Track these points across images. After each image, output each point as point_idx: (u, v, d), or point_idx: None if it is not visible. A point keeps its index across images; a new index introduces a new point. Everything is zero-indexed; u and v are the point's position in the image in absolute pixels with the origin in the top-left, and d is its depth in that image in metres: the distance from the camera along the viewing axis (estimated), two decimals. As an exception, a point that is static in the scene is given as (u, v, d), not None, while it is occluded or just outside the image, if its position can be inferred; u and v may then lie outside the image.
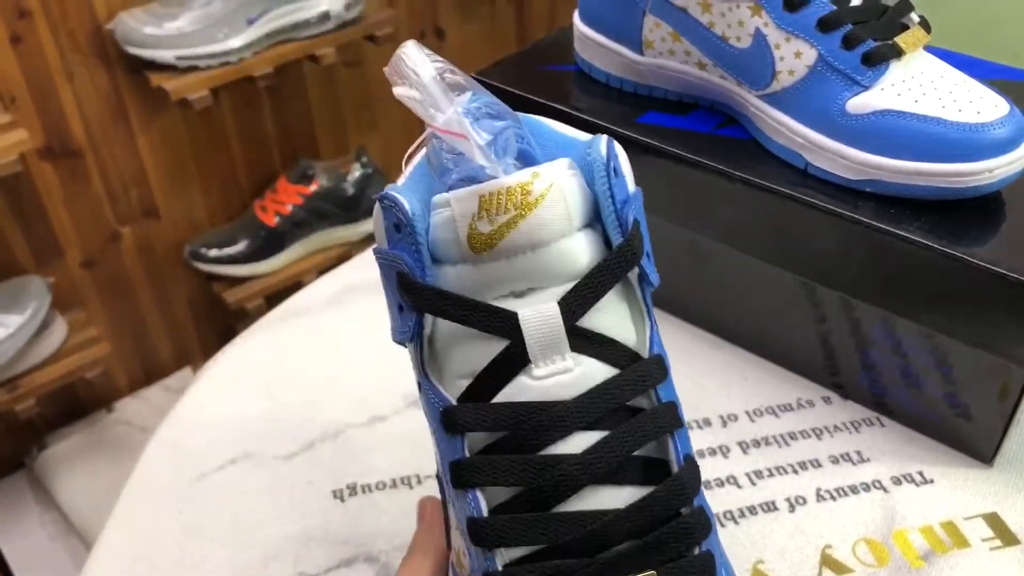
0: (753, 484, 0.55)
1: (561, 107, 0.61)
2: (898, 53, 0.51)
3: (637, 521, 0.30)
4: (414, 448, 0.57)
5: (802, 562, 0.50)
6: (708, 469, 0.55)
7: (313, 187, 1.42)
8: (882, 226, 0.50)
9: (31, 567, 1.29)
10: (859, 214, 0.51)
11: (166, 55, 1.20)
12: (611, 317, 0.32)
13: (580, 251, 0.31)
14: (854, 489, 0.54)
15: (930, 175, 0.49)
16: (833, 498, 0.53)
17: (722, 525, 0.52)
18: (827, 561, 0.50)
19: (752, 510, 0.53)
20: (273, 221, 1.41)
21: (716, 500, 0.53)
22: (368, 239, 1.47)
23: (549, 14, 1.70)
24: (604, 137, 0.33)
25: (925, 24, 0.53)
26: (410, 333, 0.32)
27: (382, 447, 0.58)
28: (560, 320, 0.31)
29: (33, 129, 1.20)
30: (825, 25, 0.51)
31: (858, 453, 0.56)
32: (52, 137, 1.25)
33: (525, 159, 0.33)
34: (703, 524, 0.31)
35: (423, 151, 0.36)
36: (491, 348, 0.31)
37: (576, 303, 0.31)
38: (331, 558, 0.51)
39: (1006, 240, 0.49)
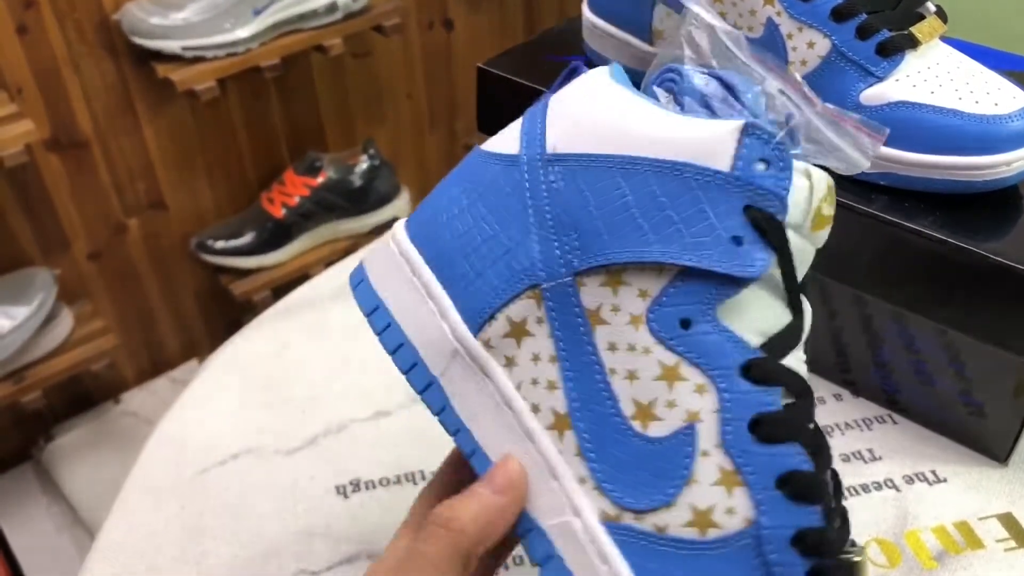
0: (762, 482, 0.54)
1: (569, 98, 0.60)
2: (914, 43, 0.50)
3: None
4: (418, 444, 0.57)
5: (812, 562, 0.49)
6: (717, 467, 0.55)
7: (320, 179, 1.41)
8: (896, 220, 0.49)
9: (38, 558, 1.29)
10: (872, 207, 0.50)
11: (172, 45, 1.19)
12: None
13: None
14: (865, 488, 0.53)
15: (946, 168, 0.48)
16: (845, 497, 0.52)
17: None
18: (838, 561, 0.49)
19: (761, 509, 0.52)
20: (280, 213, 1.40)
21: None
22: (375, 232, 1.47)
23: (559, 4, 1.68)
24: None
25: (941, 14, 0.51)
26: (759, 272, 0.31)
27: (386, 443, 0.58)
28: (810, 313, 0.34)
29: (39, 120, 1.19)
30: (839, 15, 0.50)
31: (870, 451, 0.55)
32: (59, 128, 1.24)
33: None
34: None
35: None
36: (780, 318, 0.32)
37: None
38: (333, 555, 0.51)
39: (1022, 235, 0.48)
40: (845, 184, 0.51)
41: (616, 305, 0.32)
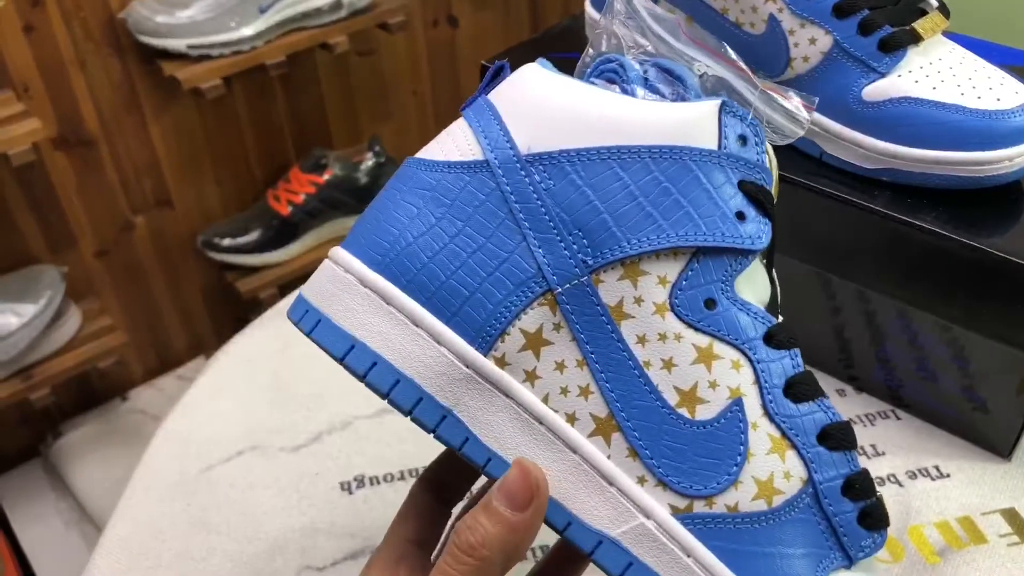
0: (765, 478, 0.54)
1: (572, 95, 0.60)
2: (916, 39, 0.50)
3: None
4: (422, 440, 0.57)
5: (815, 558, 0.49)
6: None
7: (326, 176, 1.41)
8: (898, 216, 0.49)
9: (46, 553, 1.30)
10: (875, 204, 0.50)
11: (178, 44, 1.19)
12: None
13: None
14: (868, 484, 0.53)
15: (948, 164, 0.48)
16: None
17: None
18: (840, 557, 0.49)
19: (764, 504, 0.52)
20: (286, 210, 1.41)
21: (728, 494, 0.53)
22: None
23: (563, 1, 1.68)
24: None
25: (944, 9, 0.51)
26: (765, 241, 0.33)
27: (390, 439, 0.58)
28: None
29: (46, 118, 1.20)
30: (841, 11, 0.50)
31: (873, 447, 0.55)
32: (65, 126, 1.24)
33: None
34: None
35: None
36: (767, 287, 0.35)
37: None
38: (338, 551, 0.51)
39: (1026, 230, 0.48)
40: (848, 180, 0.51)
41: (638, 296, 0.32)
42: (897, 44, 0.49)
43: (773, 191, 0.34)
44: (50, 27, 1.18)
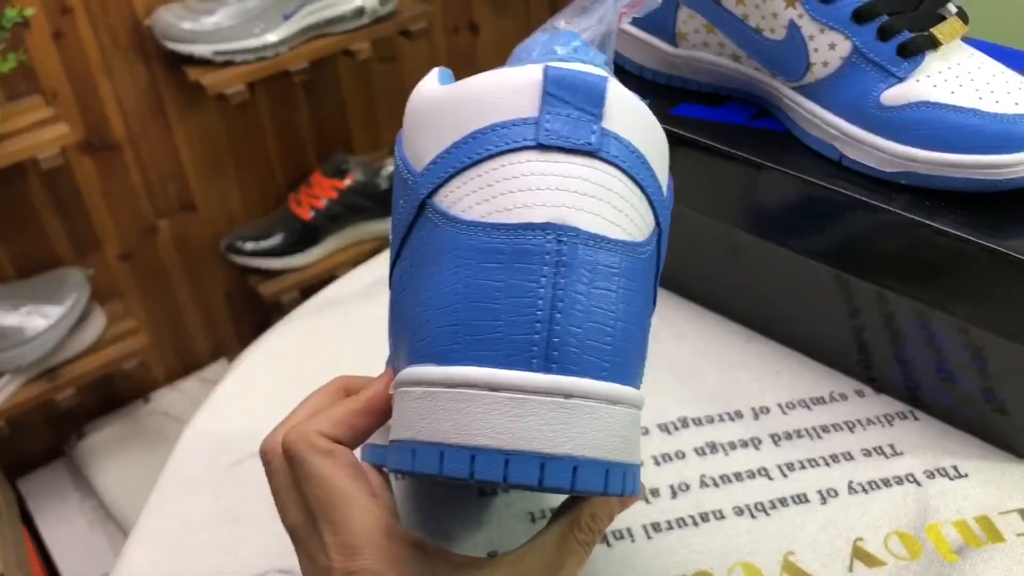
0: (784, 476, 0.54)
1: (594, 99, 0.61)
2: (934, 44, 0.50)
3: None
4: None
5: (833, 554, 0.50)
6: (739, 461, 0.55)
7: (347, 181, 1.43)
8: (917, 218, 0.50)
9: (70, 553, 1.31)
10: (893, 206, 0.51)
11: (203, 50, 1.21)
12: None
13: None
14: (886, 482, 0.54)
15: (966, 167, 0.49)
16: (865, 491, 0.53)
17: (752, 517, 0.52)
18: (859, 554, 0.50)
19: (783, 502, 0.53)
20: (308, 215, 1.42)
21: (747, 492, 0.53)
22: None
23: (583, 9, 1.69)
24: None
25: (963, 15, 0.52)
26: None
27: (414, 436, 0.59)
28: None
29: (74, 123, 1.22)
30: (860, 16, 0.51)
31: (891, 447, 0.56)
32: (92, 131, 1.27)
33: None
34: None
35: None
36: None
37: None
38: (364, 544, 0.52)
39: (1043, 232, 0.49)
40: (867, 184, 0.52)
41: None
42: (916, 49, 0.50)
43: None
44: (78, 34, 1.20)
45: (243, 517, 0.54)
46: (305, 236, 1.42)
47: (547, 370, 0.28)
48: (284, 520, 0.37)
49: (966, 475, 0.54)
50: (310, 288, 1.41)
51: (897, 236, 0.51)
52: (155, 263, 1.42)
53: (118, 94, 1.27)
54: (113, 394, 1.46)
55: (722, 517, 0.52)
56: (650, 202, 0.32)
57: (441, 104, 0.32)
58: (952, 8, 0.52)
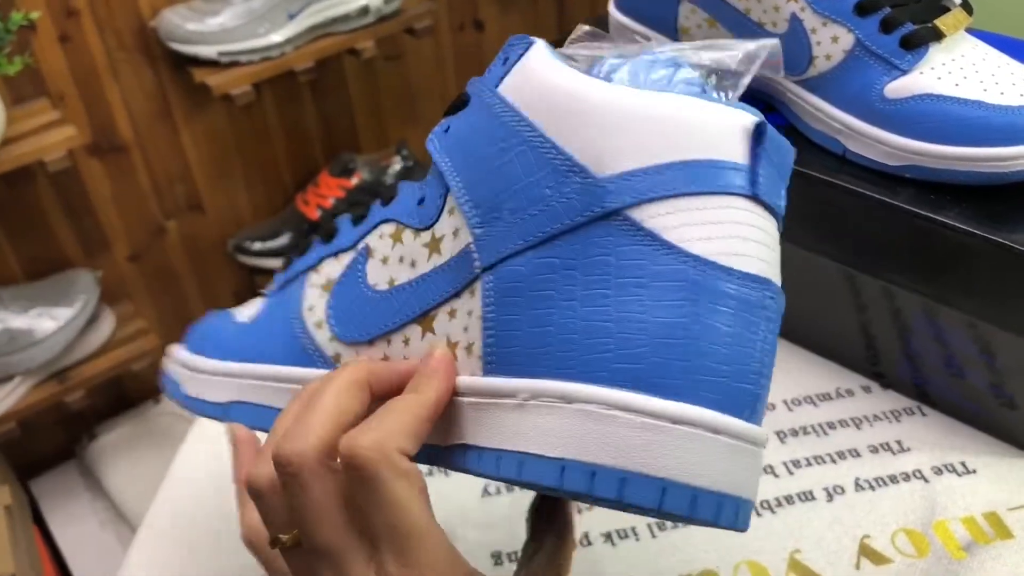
0: (791, 474, 0.54)
1: (596, 96, 0.61)
2: (938, 36, 0.50)
3: None
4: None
5: (840, 552, 0.49)
6: (745, 458, 0.55)
7: (354, 180, 1.43)
8: (922, 212, 0.49)
9: (82, 553, 1.32)
10: (898, 200, 0.50)
11: (208, 51, 1.21)
12: None
13: None
14: (894, 479, 0.53)
15: (971, 160, 0.49)
16: (872, 488, 0.53)
17: (758, 515, 0.52)
18: (866, 551, 0.49)
19: (789, 499, 0.52)
20: (315, 215, 1.42)
21: (753, 489, 0.53)
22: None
23: (590, 3, 1.69)
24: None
25: (966, 6, 0.52)
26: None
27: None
28: None
29: (81, 126, 1.22)
30: (862, 9, 0.50)
31: (898, 443, 0.55)
32: (99, 133, 1.27)
33: None
34: None
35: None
36: None
37: None
38: (368, 545, 0.52)
39: (1050, 225, 0.48)
40: (872, 177, 0.52)
41: None
42: (919, 41, 0.50)
43: None
44: (84, 36, 1.20)
45: (247, 518, 0.54)
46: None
47: (751, 420, 0.30)
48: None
49: (974, 471, 0.53)
50: (318, 287, 1.41)
51: (902, 230, 0.50)
52: (164, 264, 1.42)
53: (124, 96, 1.27)
54: (123, 395, 1.46)
55: (728, 515, 0.52)
56: None
57: (637, 111, 0.30)
58: (956, -1, 0.52)
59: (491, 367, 0.33)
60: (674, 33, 0.59)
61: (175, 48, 1.22)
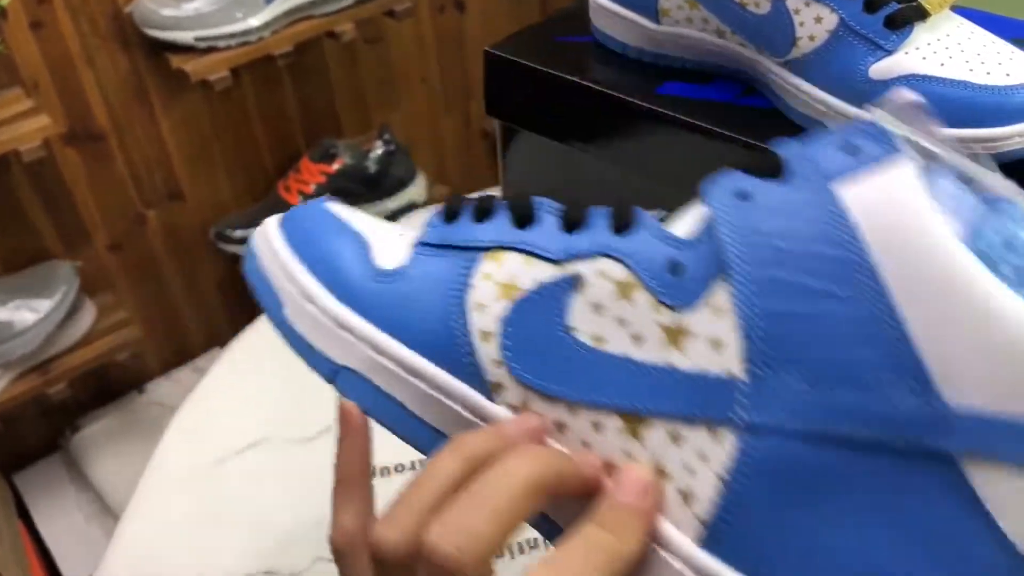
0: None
1: (578, 80, 0.60)
2: (923, 15, 0.49)
3: None
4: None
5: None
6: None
7: (336, 165, 1.41)
8: (908, 195, 0.48)
9: (68, 546, 1.31)
10: (884, 183, 0.49)
11: (185, 36, 1.19)
12: None
13: None
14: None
15: (958, 141, 0.47)
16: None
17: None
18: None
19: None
20: (297, 201, 1.41)
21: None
22: (391, 217, 1.47)
23: (572, -16, 1.67)
24: None
25: (952, -17, 0.51)
26: None
27: (401, 429, 0.58)
28: None
29: (56, 114, 1.20)
30: (846, -12, 0.49)
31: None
32: (75, 122, 1.25)
33: None
34: None
35: None
36: None
37: None
38: (350, 542, 0.51)
39: (1038, 207, 0.47)
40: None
41: None
42: (904, 20, 0.49)
43: None
44: (57, 23, 1.18)
45: (226, 518, 0.53)
46: (294, 223, 1.41)
47: None
48: None
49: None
50: (301, 275, 1.40)
51: (888, 214, 0.50)
52: (145, 253, 1.41)
53: (100, 83, 1.25)
54: (107, 386, 1.45)
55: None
56: None
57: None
58: (941, -23, 0.51)
59: (715, 543, 0.26)
60: (655, 16, 0.58)
61: (151, 34, 1.20)
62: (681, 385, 0.27)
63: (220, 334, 1.55)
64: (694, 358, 0.27)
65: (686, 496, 0.27)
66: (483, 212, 0.33)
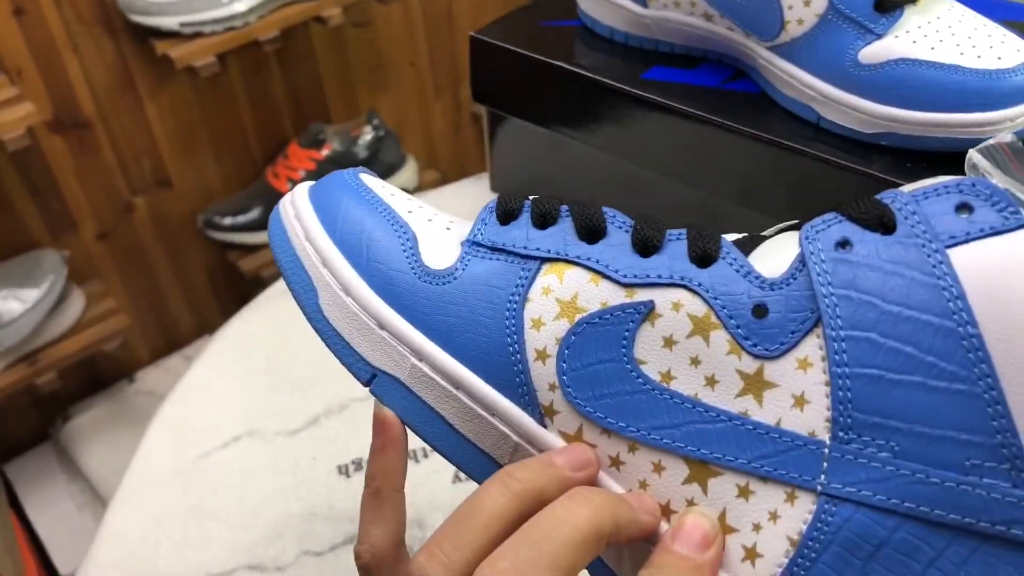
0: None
1: (564, 64, 0.59)
2: (913, -3, 0.48)
3: None
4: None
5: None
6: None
7: (325, 151, 1.40)
8: (898, 181, 0.48)
9: (59, 535, 1.31)
10: (874, 169, 0.49)
11: (170, 22, 1.18)
12: None
13: None
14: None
15: (948, 126, 0.47)
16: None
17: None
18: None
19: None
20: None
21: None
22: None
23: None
24: None
25: (942, -35, 0.50)
26: None
27: (388, 420, 0.57)
28: None
29: (41, 102, 1.19)
30: (835, -30, 0.48)
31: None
32: (60, 109, 1.24)
33: None
34: None
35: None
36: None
37: None
38: (336, 535, 0.51)
39: (1029, 193, 0.47)
40: (847, 146, 0.50)
41: None
42: (894, 3, 0.48)
43: None
44: (40, 10, 1.16)
45: (211, 512, 0.52)
46: (283, 210, 1.40)
47: None
48: None
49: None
50: (291, 262, 1.39)
51: (878, 200, 0.49)
52: (133, 241, 1.40)
53: (86, 70, 1.24)
54: (97, 375, 1.45)
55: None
56: None
57: None
58: (931, -41, 0.50)
59: None
60: (643, 4, 0.57)
61: (136, 20, 1.18)
62: (758, 438, 0.26)
63: (209, 322, 1.54)
64: (774, 411, 0.26)
65: (750, 553, 0.26)
66: (544, 217, 0.31)
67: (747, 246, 0.29)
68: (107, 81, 1.26)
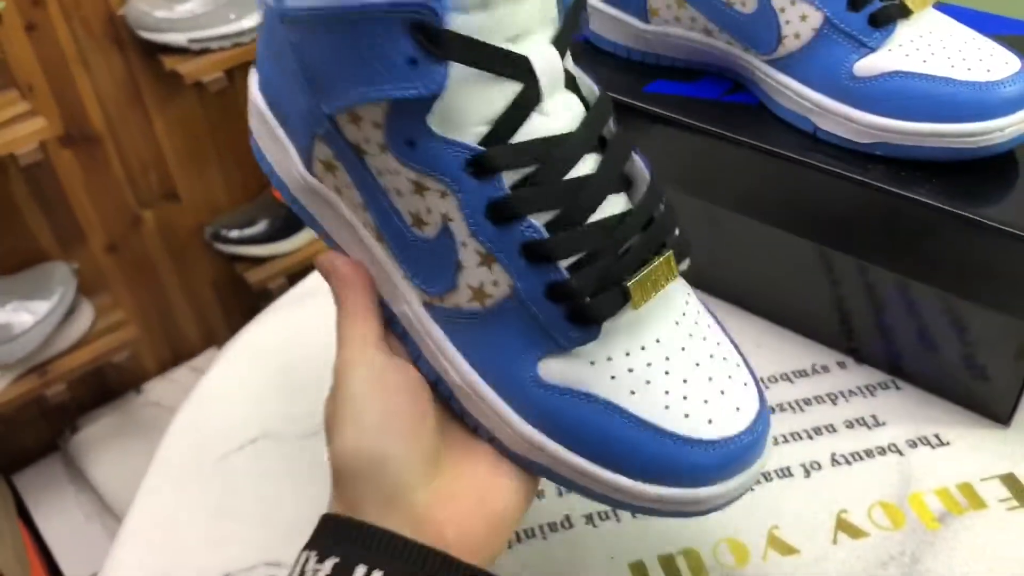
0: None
1: (568, 79, 0.61)
2: (906, 12, 0.50)
3: (642, 217, 0.36)
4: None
5: (817, 527, 0.50)
6: (723, 437, 0.55)
7: (330, 165, 1.42)
8: (893, 189, 0.50)
9: (69, 546, 1.32)
10: (869, 177, 0.50)
11: (178, 38, 1.20)
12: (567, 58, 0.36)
13: None
14: (869, 453, 0.54)
15: (940, 136, 0.49)
16: (848, 462, 0.53)
17: (737, 492, 0.52)
18: (842, 525, 0.50)
19: (767, 476, 0.53)
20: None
21: (731, 467, 0.54)
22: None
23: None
24: None
25: (933, -19, 0.52)
26: (438, 86, 0.33)
27: (400, 423, 0.59)
28: (559, 59, 0.34)
29: (51, 117, 1.21)
30: (830, -13, 0.50)
31: (873, 417, 0.56)
32: (70, 124, 1.26)
33: None
34: (673, 214, 0.38)
35: None
36: (505, 93, 0.34)
37: (561, 45, 0.35)
38: (351, 534, 0.52)
39: (1019, 200, 0.49)
40: (842, 155, 0.52)
41: (367, 137, 0.36)
42: (887, 18, 0.50)
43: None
44: (51, 26, 1.19)
45: (231, 512, 0.54)
46: (289, 222, 1.41)
47: None
48: None
49: (948, 443, 0.54)
50: (297, 274, 1.41)
51: (874, 207, 0.51)
52: (141, 254, 1.42)
53: (95, 85, 1.26)
54: (105, 386, 1.46)
55: (707, 493, 0.52)
56: None
57: None
58: (923, -25, 0.52)
59: None
60: (643, 14, 0.59)
61: (144, 36, 1.21)
62: None
63: (216, 334, 1.56)
64: None
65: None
66: None
67: None
68: (116, 96, 1.28)
